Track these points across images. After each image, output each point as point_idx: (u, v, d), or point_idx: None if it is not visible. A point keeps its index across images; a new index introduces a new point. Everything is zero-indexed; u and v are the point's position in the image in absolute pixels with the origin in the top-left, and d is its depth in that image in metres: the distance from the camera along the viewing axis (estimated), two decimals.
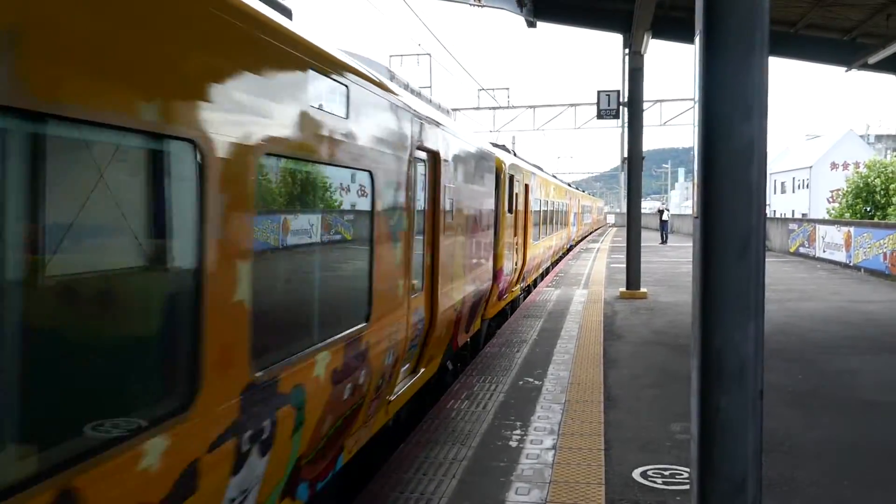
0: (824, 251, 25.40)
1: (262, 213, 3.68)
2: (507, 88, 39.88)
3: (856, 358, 10.06)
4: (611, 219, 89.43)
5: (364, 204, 5.09)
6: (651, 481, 5.59)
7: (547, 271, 23.33)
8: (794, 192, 72.38)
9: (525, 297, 17.04)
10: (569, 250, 34.18)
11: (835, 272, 22.43)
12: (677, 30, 17.48)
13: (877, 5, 15.61)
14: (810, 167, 68.75)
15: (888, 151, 71.70)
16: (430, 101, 8.10)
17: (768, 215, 38.19)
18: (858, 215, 40.11)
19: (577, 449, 6.22)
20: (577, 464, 5.87)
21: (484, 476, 5.62)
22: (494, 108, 38.36)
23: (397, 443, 6.66)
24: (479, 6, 18.55)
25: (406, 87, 6.97)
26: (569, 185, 41.69)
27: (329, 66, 4.36)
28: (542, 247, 19.10)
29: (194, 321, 3.01)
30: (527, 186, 15.35)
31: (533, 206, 16.69)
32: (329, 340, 4.41)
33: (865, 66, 17.61)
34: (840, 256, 23.82)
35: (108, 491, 2.47)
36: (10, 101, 2.08)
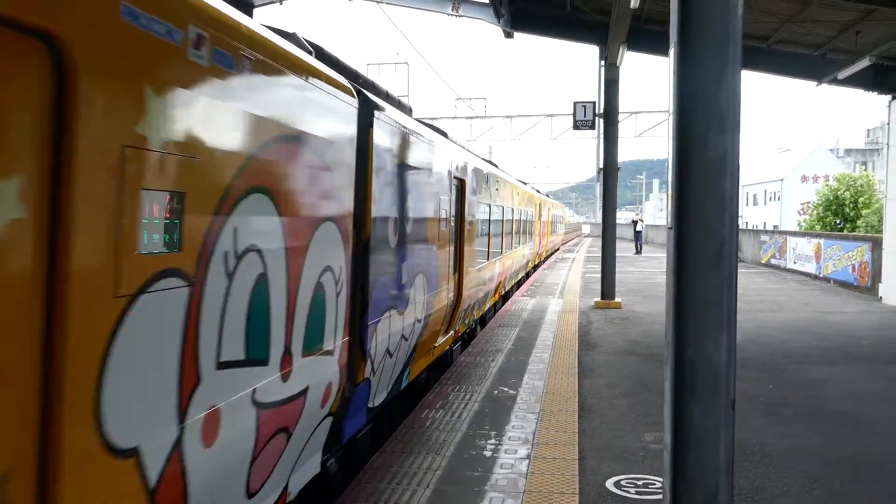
0: (795, 263, 25.77)
1: None
2: (485, 98, 40.26)
3: (825, 368, 10.20)
4: (586, 229, 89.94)
5: None
6: (625, 491, 5.61)
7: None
8: (765, 203, 73.40)
9: (501, 307, 17.05)
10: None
11: (805, 283, 22.76)
12: (653, 42, 17.66)
13: (846, 22, 15.92)
14: (781, 180, 69.80)
15: (856, 165, 73.04)
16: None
17: (740, 227, 38.51)
18: (828, 227, 40.76)
19: (551, 458, 6.22)
20: (552, 473, 5.87)
21: (458, 486, 5.60)
22: (471, 118, 38.54)
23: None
24: (456, 16, 18.63)
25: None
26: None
27: None
28: None
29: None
30: None
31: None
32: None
33: (835, 81, 17.91)
34: (810, 268, 24.18)
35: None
36: None
